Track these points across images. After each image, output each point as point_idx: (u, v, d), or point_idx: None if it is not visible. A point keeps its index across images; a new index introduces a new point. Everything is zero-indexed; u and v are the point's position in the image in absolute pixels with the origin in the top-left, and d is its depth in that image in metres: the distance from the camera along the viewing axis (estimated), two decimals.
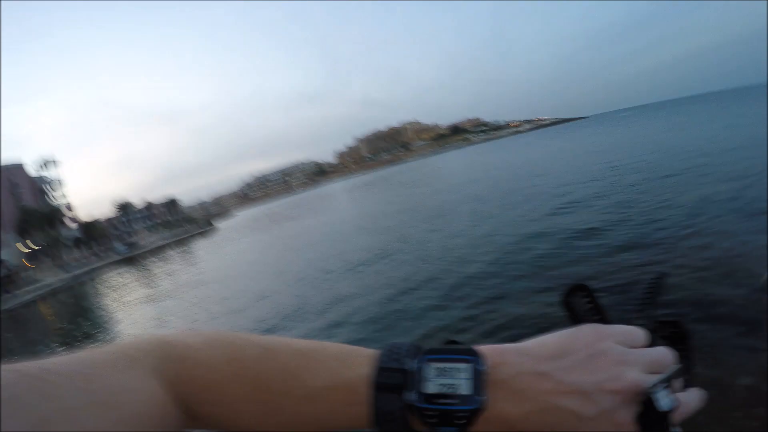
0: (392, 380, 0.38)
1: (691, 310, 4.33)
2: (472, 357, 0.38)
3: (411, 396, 0.38)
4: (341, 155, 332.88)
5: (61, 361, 0.35)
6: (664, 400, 0.35)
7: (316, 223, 26.72)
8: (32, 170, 71.13)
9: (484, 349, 0.39)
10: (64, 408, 0.31)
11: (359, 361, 0.41)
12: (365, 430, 0.39)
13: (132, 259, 46.04)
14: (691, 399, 0.38)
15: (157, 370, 0.39)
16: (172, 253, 41.13)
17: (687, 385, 0.40)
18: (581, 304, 0.41)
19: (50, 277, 42.35)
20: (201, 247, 39.50)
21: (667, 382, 0.36)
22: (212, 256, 28.38)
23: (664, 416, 0.35)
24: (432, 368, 0.39)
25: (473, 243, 10.21)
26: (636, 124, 57.10)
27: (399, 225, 16.37)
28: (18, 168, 67.02)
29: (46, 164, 72.29)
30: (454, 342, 0.41)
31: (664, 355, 0.39)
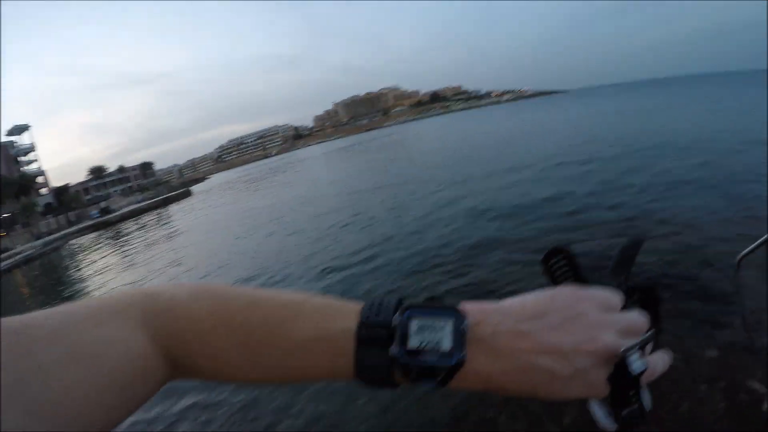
0: (376, 334, 0.39)
1: (664, 282, 4.54)
2: (454, 314, 0.39)
3: (393, 350, 0.38)
4: (319, 119, 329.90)
5: (43, 314, 0.35)
6: (636, 363, 0.37)
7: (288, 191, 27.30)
8: (2, 137, 70.56)
9: (466, 307, 0.40)
10: (42, 364, 0.31)
11: (344, 314, 0.41)
12: (348, 382, 0.40)
13: (105, 224, 45.47)
14: (659, 361, 0.40)
15: (140, 322, 0.39)
16: (145, 217, 41.00)
17: (655, 348, 0.41)
18: (560, 267, 0.42)
19: (22, 245, 42.65)
20: (175, 210, 39.53)
21: (640, 346, 0.37)
22: (185, 219, 28.69)
23: (635, 378, 0.37)
24: (414, 324, 0.39)
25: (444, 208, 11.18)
26: (619, 99, 58.22)
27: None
28: None
29: (18, 130, 71.54)
30: (434, 299, 0.42)
31: (638, 319, 0.40)
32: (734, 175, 8.46)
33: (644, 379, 0.39)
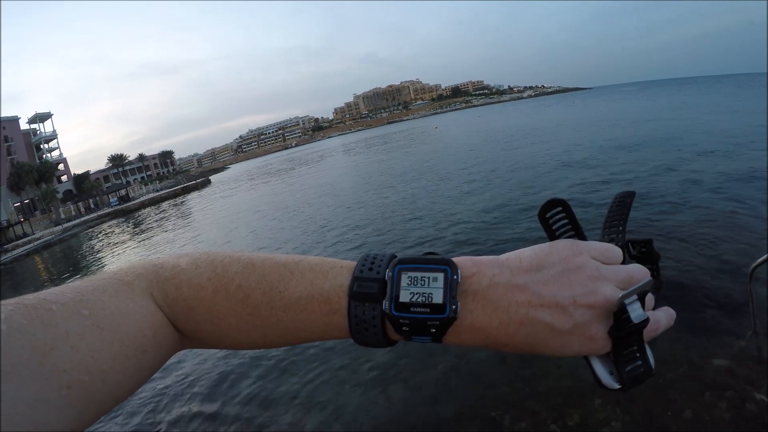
0: (368, 290, 0.38)
1: (676, 289, 4.46)
2: (446, 266, 0.38)
3: (384, 304, 0.38)
4: (339, 111, 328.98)
5: (59, 290, 0.36)
6: (636, 312, 0.35)
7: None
8: (26, 124, 71.17)
9: (460, 259, 0.39)
10: (67, 334, 0.32)
11: (336, 271, 0.41)
12: (344, 338, 0.40)
13: (124, 211, 45.12)
14: (662, 316, 0.39)
15: (149, 291, 0.40)
16: (164, 205, 40.67)
17: (657, 305, 0.40)
18: (558, 220, 0.41)
19: (41, 231, 42.87)
20: (194, 198, 38.96)
21: (640, 293, 0.36)
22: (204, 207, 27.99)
23: (636, 329, 0.36)
24: (405, 277, 0.38)
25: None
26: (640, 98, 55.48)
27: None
28: (12, 122, 66.82)
29: (40, 118, 72.52)
30: (431, 254, 0.41)
31: (638, 272, 0.39)
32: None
33: (647, 334, 0.37)
